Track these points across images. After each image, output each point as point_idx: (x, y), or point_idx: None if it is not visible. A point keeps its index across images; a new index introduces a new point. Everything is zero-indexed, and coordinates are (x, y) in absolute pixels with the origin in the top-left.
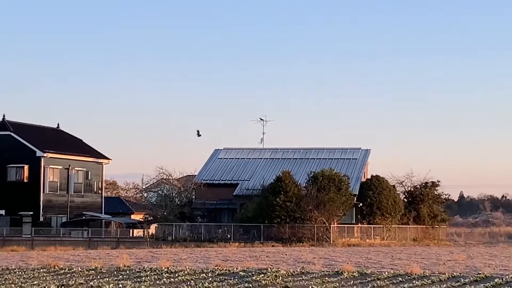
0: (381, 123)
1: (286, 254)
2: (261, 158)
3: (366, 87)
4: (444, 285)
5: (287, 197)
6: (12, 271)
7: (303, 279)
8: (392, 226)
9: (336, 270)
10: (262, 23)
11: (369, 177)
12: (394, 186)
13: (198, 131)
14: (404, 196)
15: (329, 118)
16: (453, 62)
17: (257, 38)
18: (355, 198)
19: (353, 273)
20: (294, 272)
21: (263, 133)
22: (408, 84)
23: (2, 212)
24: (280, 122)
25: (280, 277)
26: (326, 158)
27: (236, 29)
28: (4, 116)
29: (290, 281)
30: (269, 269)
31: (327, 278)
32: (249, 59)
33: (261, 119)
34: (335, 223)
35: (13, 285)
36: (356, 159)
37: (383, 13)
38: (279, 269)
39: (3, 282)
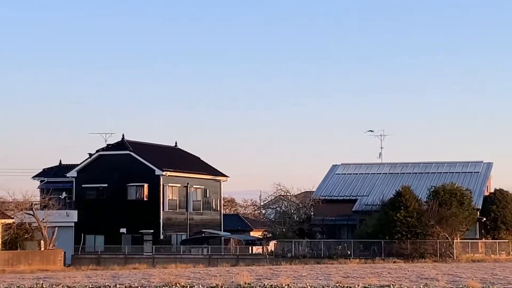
0: (503, 134)
1: (408, 271)
2: (380, 173)
3: (485, 98)
4: None
5: (408, 212)
6: None
7: None
8: None
9: (461, 286)
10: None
11: (492, 190)
12: None
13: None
14: None
15: (448, 131)
16: None
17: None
18: (478, 212)
19: None
20: None
21: (381, 147)
22: None
23: (124, 230)
24: (399, 137)
25: None
26: (447, 172)
27: (359, 41)
28: (123, 136)
29: None
30: (391, 285)
31: None
32: (366, 72)
33: (380, 135)
34: (458, 238)
35: None
36: (478, 172)
37: None
38: (402, 285)
39: None
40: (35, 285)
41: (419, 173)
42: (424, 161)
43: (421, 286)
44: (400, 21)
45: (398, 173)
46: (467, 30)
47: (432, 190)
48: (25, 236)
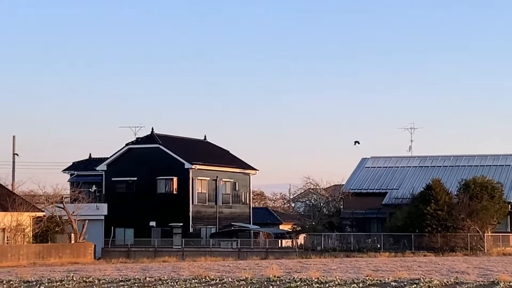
0: None
1: (438, 264)
2: (410, 166)
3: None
4: None
5: (438, 205)
6: (164, 281)
7: None
8: None
9: (492, 280)
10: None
11: None
12: None
13: (357, 142)
14: None
15: (479, 124)
16: None
17: (402, 42)
18: (509, 206)
19: (509, 283)
20: (448, 282)
21: (411, 140)
22: None
23: (153, 223)
24: (429, 129)
25: None
26: (478, 165)
27: (386, 33)
28: (152, 129)
29: None
30: (421, 279)
31: None
32: (395, 65)
33: (410, 128)
34: (489, 232)
35: None
36: (509, 165)
37: None
38: (432, 279)
39: None
40: (65, 278)
41: (450, 166)
42: (454, 154)
43: (452, 280)
44: (429, 13)
45: (428, 166)
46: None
47: (462, 183)
48: (56, 229)
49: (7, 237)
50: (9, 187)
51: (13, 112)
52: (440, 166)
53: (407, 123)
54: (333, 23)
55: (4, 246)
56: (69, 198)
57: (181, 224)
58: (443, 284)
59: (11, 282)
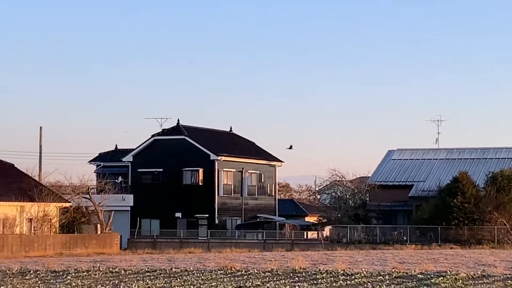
0: None
1: (465, 257)
2: (437, 159)
3: None
4: None
5: (465, 198)
6: (190, 272)
7: (484, 282)
8: None
9: None
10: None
11: None
12: None
13: (290, 146)
14: None
15: (507, 116)
16: None
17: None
18: None
19: None
20: (474, 275)
21: (438, 133)
22: None
23: (179, 214)
24: (456, 122)
25: (460, 280)
26: (505, 158)
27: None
28: (178, 120)
29: (471, 284)
30: (448, 271)
31: (510, 281)
32: (423, 57)
33: (437, 120)
34: None
35: (192, 286)
36: None
37: None
38: (459, 272)
39: (182, 283)
40: (92, 268)
41: (477, 158)
42: (481, 146)
43: (479, 272)
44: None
45: (455, 159)
46: None
47: (490, 175)
48: (82, 220)
49: (34, 227)
50: (36, 178)
51: (40, 103)
52: (467, 159)
53: (434, 115)
54: (359, 15)
55: (31, 236)
56: (95, 189)
57: (207, 215)
58: (470, 277)
59: (38, 272)
